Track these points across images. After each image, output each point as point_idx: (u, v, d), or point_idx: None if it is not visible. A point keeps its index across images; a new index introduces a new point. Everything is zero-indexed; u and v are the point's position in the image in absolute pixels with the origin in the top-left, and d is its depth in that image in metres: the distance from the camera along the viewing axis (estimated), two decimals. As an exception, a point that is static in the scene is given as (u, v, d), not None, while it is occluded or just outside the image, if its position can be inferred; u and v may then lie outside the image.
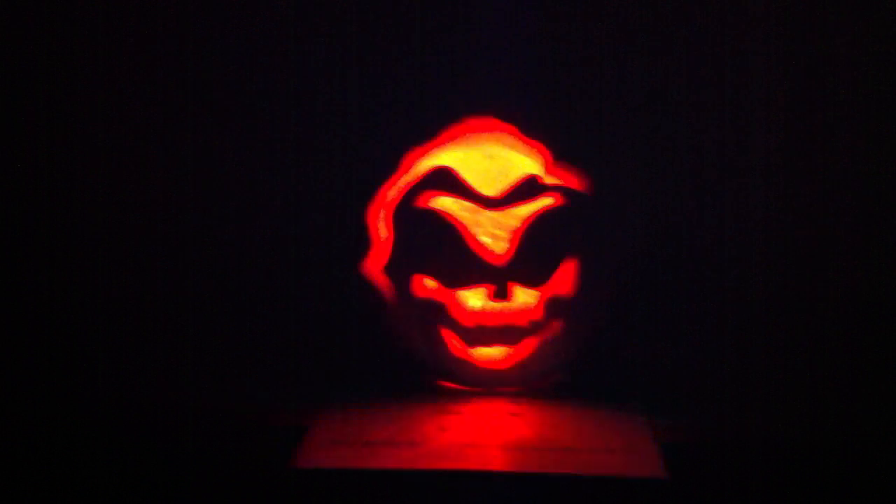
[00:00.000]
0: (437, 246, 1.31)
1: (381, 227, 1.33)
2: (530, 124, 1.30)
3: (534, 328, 1.33)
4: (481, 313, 1.33)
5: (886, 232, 1.44)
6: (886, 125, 1.43)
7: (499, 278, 1.30)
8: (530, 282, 1.31)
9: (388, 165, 1.32)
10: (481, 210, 1.31)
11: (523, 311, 1.32)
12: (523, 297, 1.32)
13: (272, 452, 1.15)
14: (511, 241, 1.31)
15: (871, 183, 1.44)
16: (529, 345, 1.34)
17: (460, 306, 1.33)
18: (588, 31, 1.47)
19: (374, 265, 1.34)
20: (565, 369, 1.39)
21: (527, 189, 1.31)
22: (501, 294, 1.31)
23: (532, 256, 1.30)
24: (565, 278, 1.32)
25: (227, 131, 1.49)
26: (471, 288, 1.32)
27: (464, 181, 1.31)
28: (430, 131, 1.32)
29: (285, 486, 1.11)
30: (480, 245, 1.31)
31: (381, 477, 1.11)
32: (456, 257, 1.30)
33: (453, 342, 1.34)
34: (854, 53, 1.44)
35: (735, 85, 1.47)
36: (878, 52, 1.43)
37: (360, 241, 1.33)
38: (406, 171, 1.32)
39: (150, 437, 1.22)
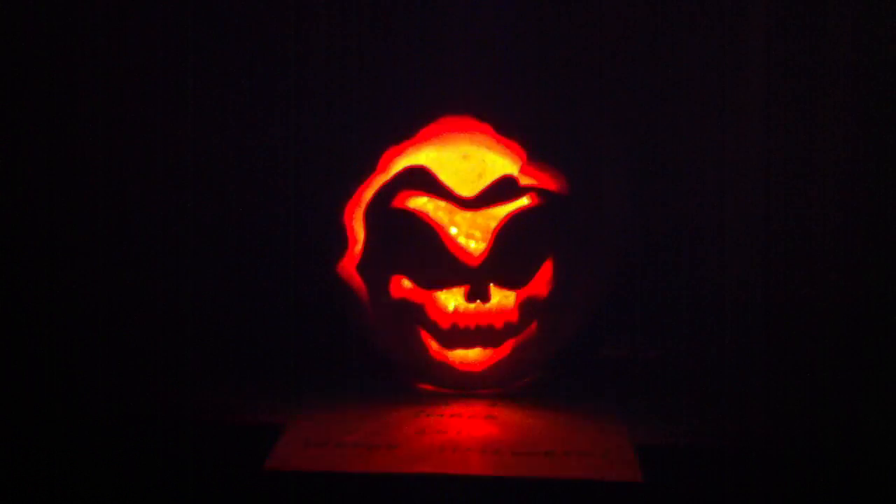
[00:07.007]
0: (413, 246, 1.30)
1: (358, 228, 1.32)
2: (506, 124, 1.29)
3: (510, 330, 1.32)
4: (458, 314, 1.32)
5: (881, 230, 1.43)
6: (885, 123, 1.43)
7: (475, 279, 1.29)
8: (506, 283, 1.30)
9: (366, 165, 1.31)
10: (457, 210, 1.30)
11: (499, 312, 1.32)
12: (499, 298, 1.32)
13: (247, 453, 1.14)
14: (487, 241, 1.30)
15: (871, 178, 1.43)
16: (506, 346, 1.33)
17: (437, 307, 1.32)
18: (564, 31, 1.46)
19: (351, 265, 1.33)
20: (543, 371, 1.38)
21: (503, 189, 1.29)
22: (478, 295, 1.29)
23: (508, 257, 1.29)
24: (541, 280, 1.31)
25: (203, 130, 1.49)
26: (447, 289, 1.31)
27: (440, 181, 1.29)
28: (406, 130, 1.30)
29: (259, 487, 1.10)
30: (457, 245, 1.30)
31: (357, 480, 1.10)
32: (432, 258, 1.29)
33: (431, 344, 1.33)
34: (848, 51, 1.43)
35: (716, 83, 1.47)
36: (875, 52, 1.42)
37: (337, 241, 1.32)
38: (383, 171, 1.31)
39: (124, 438, 1.21)
